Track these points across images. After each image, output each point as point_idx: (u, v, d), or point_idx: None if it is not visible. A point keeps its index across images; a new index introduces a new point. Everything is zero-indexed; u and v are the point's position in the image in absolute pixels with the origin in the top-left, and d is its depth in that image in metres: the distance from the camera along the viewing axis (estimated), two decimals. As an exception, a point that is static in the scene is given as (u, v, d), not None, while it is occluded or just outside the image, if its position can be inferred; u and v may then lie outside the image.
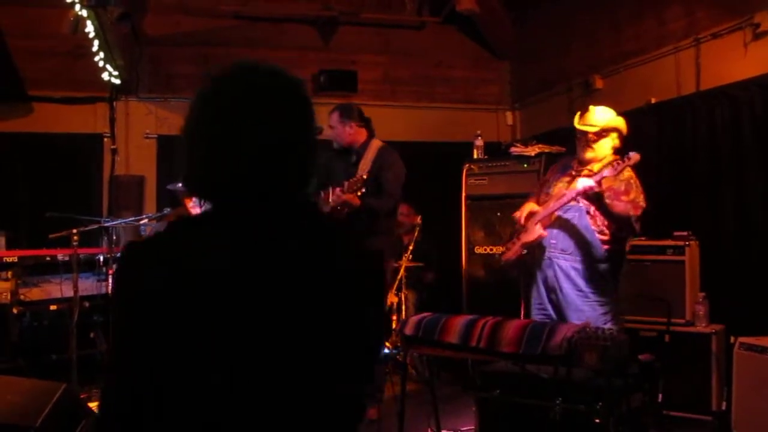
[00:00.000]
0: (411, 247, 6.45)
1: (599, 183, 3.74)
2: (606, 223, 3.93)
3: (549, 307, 4.10)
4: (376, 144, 4.98)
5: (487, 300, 5.83)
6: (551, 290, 4.07)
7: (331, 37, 7.96)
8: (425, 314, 3.56)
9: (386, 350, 4.29)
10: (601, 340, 2.89)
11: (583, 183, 3.77)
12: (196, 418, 1.26)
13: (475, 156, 6.12)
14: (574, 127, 4.15)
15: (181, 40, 7.53)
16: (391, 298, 6.28)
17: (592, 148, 4.06)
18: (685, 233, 5.12)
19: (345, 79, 7.85)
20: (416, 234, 6.59)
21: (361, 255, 1.44)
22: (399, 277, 6.26)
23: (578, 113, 4.20)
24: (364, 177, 4.50)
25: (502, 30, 8.18)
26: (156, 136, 7.48)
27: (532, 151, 5.67)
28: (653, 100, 5.97)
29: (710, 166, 5.37)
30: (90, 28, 5.21)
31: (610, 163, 3.88)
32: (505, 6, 7.90)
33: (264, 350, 1.28)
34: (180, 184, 5.32)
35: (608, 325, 3.86)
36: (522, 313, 4.95)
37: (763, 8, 4.95)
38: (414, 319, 3.49)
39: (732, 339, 4.69)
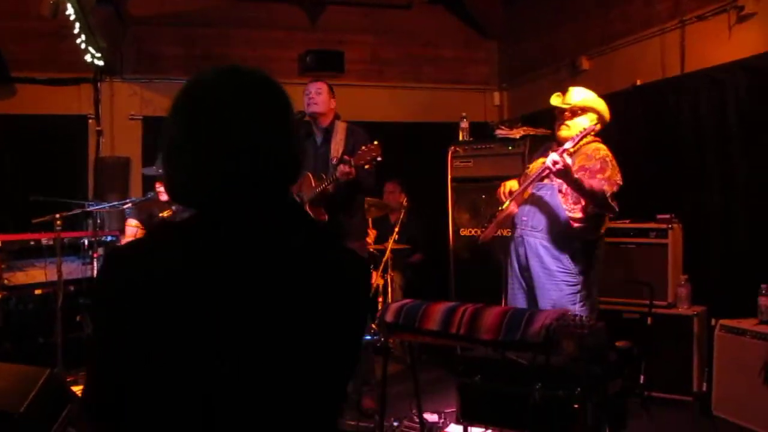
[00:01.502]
0: (397, 229, 6.46)
1: (561, 155, 3.70)
2: (579, 201, 3.92)
3: (522, 285, 4.13)
4: (342, 124, 4.89)
5: (473, 282, 5.86)
6: (523, 268, 4.09)
7: (318, 17, 7.91)
8: (406, 301, 3.57)
9: (368, 336, 4.28)
10: (578, 328, 2.92)
11: (549, 158, 3.74)
12: (177, 410, 1.27)
13: (461, 138, 6.10)
14: (552, 106, 4.15)
15: (166, 20, 7.47)
16: (377, 280, 6.30)
17: (567, 125, 4.07)
18: (668, 216, 5.15)
19: (332, 59, 7.81)
20: (403, 215, 6.59)
21: (348, 257, 1.45)
22: (385, 258, 6.27)
23: (558, 94, 4.18)
24: (376, 143, 4.34)
25: (490, 10, 8.14)
26: (141, 117, 7.44)
27: (517, 133, 5.67)
28: (639, 82, 5.97)
29: (695, 148, 5.38)
30: (70, 10, 5.15)
31: (576, 134, 3.89)
32: (492, -15, 7.87)
33: (249, 350, 1.28)
34: (154, 168, 5.32)
35: (576, 307, 3.89)
36: (504, 293, 4.98)
37: (748, -10, 4.94)
38: (394, 305, 3.50)
39: (713, 321, 4.74)
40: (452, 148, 6.03)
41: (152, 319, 1.24)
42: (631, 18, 6.15)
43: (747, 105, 4.96)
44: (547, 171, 3.82)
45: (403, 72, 8.20)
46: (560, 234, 3.96)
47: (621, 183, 3.91)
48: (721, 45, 5.19)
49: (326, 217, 4.60)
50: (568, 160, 3.72)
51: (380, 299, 6.32)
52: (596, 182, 3.83)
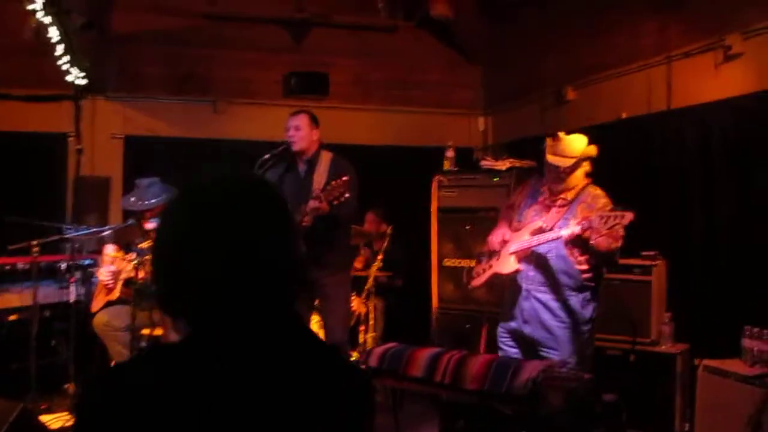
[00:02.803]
0: (380, 257, 6.41)
1: (585, 230, 3.61)
2: (584, 255, 3.87)
3: (519, 337, 4.07)
4: (327, 155, 4.84)
5: (454, 313, 5.84)
6: (526, 321, 4.02)
7: (303, 38, 7.85)
8: (390, 345, 3.53)
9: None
10: (566, 381, 2.88)
11: (567, 231, 3.68)
12: None
13: (446, 167, 6.08)
14: (545, 159, 4.03)
15: (151, 38, 7.38)
16: (359, 308, 6.24)
17: (564, 180, 3.98)
18: (652, 253, 5.13)
19: (316, 81, 7.77)
20: (386, 243, 6.55)
21: (349, 377, 1.37)
22: (367, 287, 6.22)
23: (548, 140, 4.06)
24: (346, 179, 4.29)
25: (476, 35, 8.14)
26: (123, 136, 7.34)
27: (503, 165, 5.65)
28: (624, 115, 5.98)
29: (679, 185, 5.39)
30: (53, 33, 5.06)
31: (599, 215, 3.65)
32: (480, 11, 7.86)
33: None
34: (132, 200, 5.22)
35: (589, 351, 3.89)
36: (483, 334, 4.95)
37: (735, 30, 4.95)
38: (378, 350, 3.46)
39: (696, 361, 4.73)
40: (437, 177, 6.01)
41: None
42: (617, 50, 6.16)
43: (732, 143, 4.97)
44: (558, 239, 3.76)
45: (388, 95, 8.16)
46: (572, 287, 3.92)
47: (623, 234, 3.80)
48: (708, 83, 5.21)
49: (302, 249, 4.52)
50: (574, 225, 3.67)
51: (362, 327, 6.27)
52: (603, 241, 3.71)
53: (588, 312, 3.99)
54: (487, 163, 5.81)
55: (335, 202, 4.33)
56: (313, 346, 1.36)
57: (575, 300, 3.93)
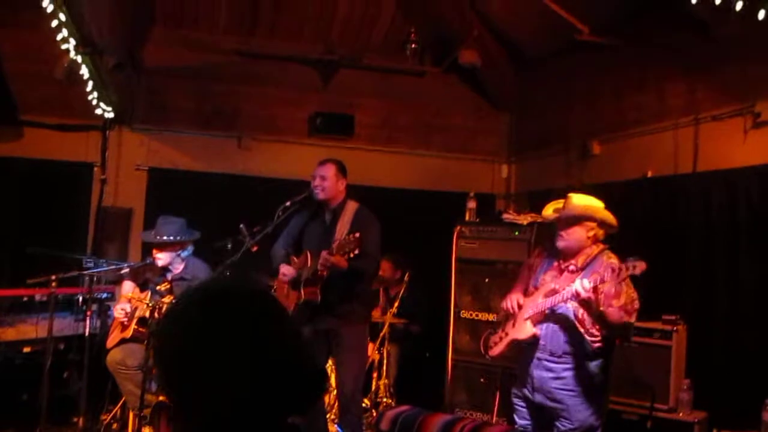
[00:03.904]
0: (397, 303, 6.37)
1: (594, 289, 3.54)
2: (596, 325, 3.79)
3: (530, 404, 4.00)
4: (352, 205, 4.82)
5: (470, 366, 5.77)
6: (536, 390, 3.94)
7: (331, 78, 7.89)
8: (403, 408, 3.47)
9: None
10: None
11: (579, 284, 3.57)
12: None
13: (467, 218, 6.05)
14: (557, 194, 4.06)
15: (180, 72, 7.45)
16: (373, 354, 6.19)
17: (561, 236, 3.92)
18: (673, 317, 5.05)
19: (341, 122, 7.80)
20: (403, 289, 6.51)
21: None
22: (382, 333, 6.18)
23: (557, 201, 4.06)
24: (357, 236, 4.32)
25: (504, 83, 8.15)
26: (147, 168, 7.38)
27: (524, 219, 5.61)
28: (650, 173, 5.93)
29: (704, 248, 5.32)
30: (84, 70, 5.12)
31: (610, 267, 3.56)
32: (508, 60, 7.87)
33: None
34: (152, 233, 5.25)
35: (600, 420, 3.82)
36: (497, 397, 4.89)
37: (765, 98, 4.91)
38: (390, 413, 3.40)
39: (714, 431, 4.63)
40: (458, 227, 5.98)
41: None
42: (645, 108, 6.13)
43: (759, 210, 4.92)
44: (572, 296, 3.67)
45: (413, 138, 8.17)
46: (582, 356, 3.83)
47: (638, 307, 3.71)
48: (736, 147, 5.17)
49: (318, 297, 4.53)
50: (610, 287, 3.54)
51: (374, 374, 6.21)
52: (614, 312, 3.61)
53: (599, 380, 3.89)
54: (509, 216, 5.77)
55: (346, 257, 4.34)
56: None
57: (586, 369, 3.84)
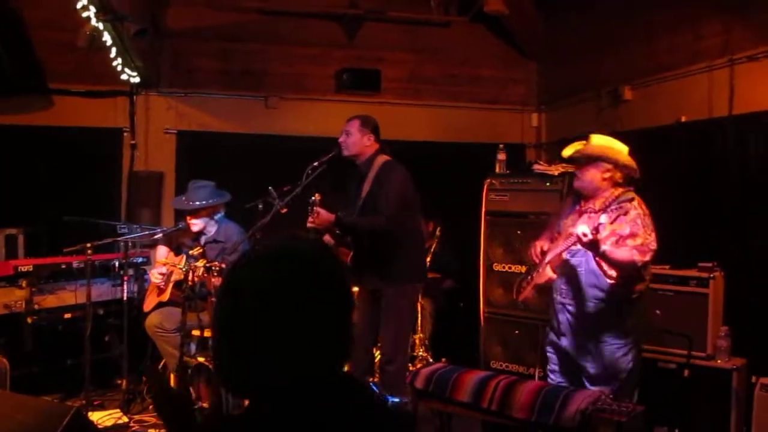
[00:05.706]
0: (429, 258, 6.36)
1: (596, 230, 3.41)
2: (612, 268, 3.73)
3: (560, 348, 4.01)
4: (380, 160, 4.73)
5: (503, 319, 5.77)
6: (563, 334, 3.95)
7: (356, 33, 7.79)
8: (437, 366, 3.48)
9: (395, 399, 4.13)
10: (616, 415, 2.80)
11: (579, 228, 3.47)
12: None
13: (497, 170, 5.97)
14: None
15: (204, 34, 7.42)
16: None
17: (576, 176, 3.92)
18: (710, 264, 4.95)
19: (368, 77, 7.72)
20: (435, 244, 6.49)
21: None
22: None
23: (579, 143, 4.00)
24: (314, 198, 4.51)
25: (531, 30, 7.97)
26: (176, 131, 7.41)
27: (556, 170, 5.53)
28: (683, 119, 5.79)
29: (740, 193, 5.20)
30: (107, 37, 5.10)
31: (608, 207, 3.60)
32: (535, 6, 7.69)
33: None
34: (183, 200, 5.29)
35: (629, 365, 3.78)
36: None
37: (804, 35, 4.75)
38: (425, 371, 3.41)
39: (753, 378, 4.58)
40: (488, 180, 5.91)
41: None
42: (678, 51, 5.95)
43: (797, 153, 4.78)
44: (576, 241, 3.60)
45: (441, 91, 8.07)
46: (602, 299, 3.80)
47: (655, 248, 3.65)
48: (773, 89, 5.01)
49: (347, 258, 4.64)
50: (604, 233, 3.45)
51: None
52: (625, 252, 3.56)
53: (624, 323, 3.86)
54: (539, 167, 5.69)
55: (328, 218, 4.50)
56: (361, 404, 1.39)
57: (608, 313, 3.81)
